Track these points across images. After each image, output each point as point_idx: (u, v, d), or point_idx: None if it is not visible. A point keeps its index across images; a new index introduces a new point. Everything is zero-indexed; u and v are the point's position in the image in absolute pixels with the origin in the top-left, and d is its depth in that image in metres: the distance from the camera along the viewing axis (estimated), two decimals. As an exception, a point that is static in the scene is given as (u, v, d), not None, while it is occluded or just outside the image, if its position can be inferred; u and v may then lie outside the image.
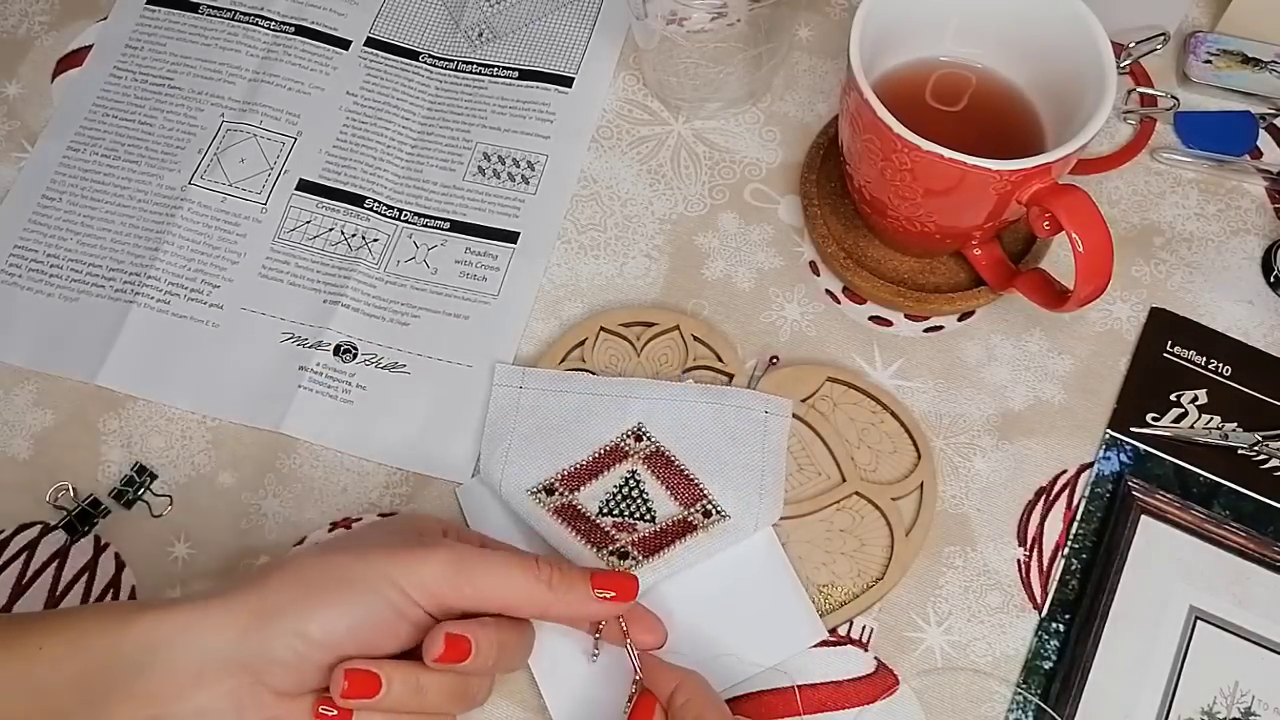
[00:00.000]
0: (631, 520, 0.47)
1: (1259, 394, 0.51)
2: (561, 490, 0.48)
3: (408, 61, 0.60)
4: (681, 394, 0.50)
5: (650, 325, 0.52)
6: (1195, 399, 0.51)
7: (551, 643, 0.45)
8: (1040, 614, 0.47)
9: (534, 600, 0.40)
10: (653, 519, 0.47)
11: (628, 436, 0.49)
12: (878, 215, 0.49)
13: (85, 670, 0.37)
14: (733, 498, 0.47)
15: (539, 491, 0.48)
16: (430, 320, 0.54)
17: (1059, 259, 0.52)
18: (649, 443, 0.49)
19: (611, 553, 0.46)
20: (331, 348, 0.53)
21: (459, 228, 0.56)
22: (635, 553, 0.46)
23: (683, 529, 0.47)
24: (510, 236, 0.55)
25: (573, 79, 0.59)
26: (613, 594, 0.41)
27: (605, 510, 0.47)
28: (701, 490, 0.48)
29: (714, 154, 0.57)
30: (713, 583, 0.47)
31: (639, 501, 0.48)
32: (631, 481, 0.48)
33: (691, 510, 0.47)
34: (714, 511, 0.47)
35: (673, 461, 0.48)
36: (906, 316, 0.53)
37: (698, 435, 0.49)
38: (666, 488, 0.48)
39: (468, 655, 0.39)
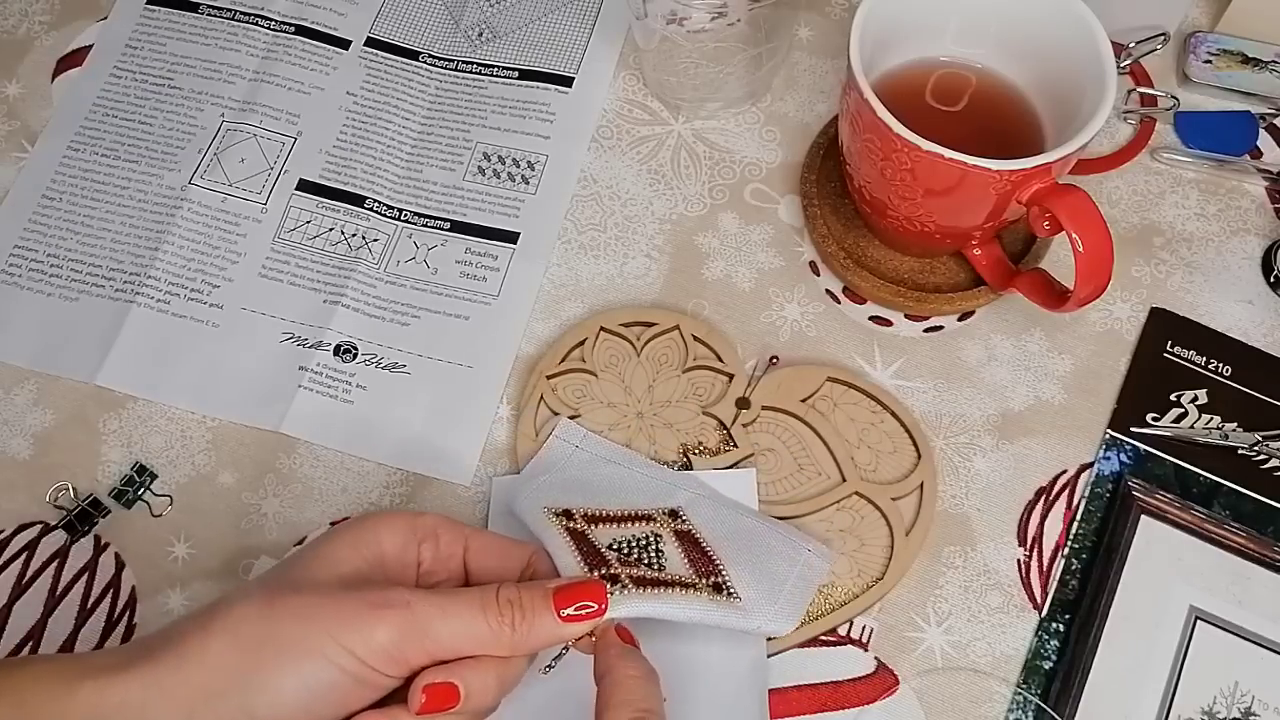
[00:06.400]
0: (636, 561, 0.44)
1: (1259, 394, 0.51)
2: (579, 521, 0.45)
3: (408, 61, 0.60)
4: (730, 503, 0.48)
5: (650, 325, 0.52)
6: (1195, 399, 0.51)
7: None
8: (1040, 614, 0.47)
9: (500, 646, 0.38)
10: (661, 569, 0.44)
11: (663, 513, 0.47)
12: (878, 215, 0.49)
13: None
14: (750, 586, 0.44)
15: (558, 514, 0.45)
16: (430, 320, 0.54)
17: (1059, 259, 0.52)
18: (683, 522, 0.46)
19: (604, 576, 0.42)
20: (332, 348, 0.53)
21: (459, 228, 0.56)
22: (627, 580, 0.42)
23: (686, 586, 0.43)
24: (510, 237, 0.55)
25: (573, 79, 0.59)
26: (582, 608, 0.39)
27: (615, 547, 0.44)
28: (720, 568, 0.44)
29: (714, 154, 0.57)
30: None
31: (652, 552, 0.45)
32: (651, 538, 0.45)
33: (703, 581, 0.44)
34: (725, 589, 0.44)
35: (699, 543, 0.45)
36: (906, 316, 0.53)
37: (733, 534, 0.46)
38: (685, 557, 0.44)
39: (455, 701, 0.37)
